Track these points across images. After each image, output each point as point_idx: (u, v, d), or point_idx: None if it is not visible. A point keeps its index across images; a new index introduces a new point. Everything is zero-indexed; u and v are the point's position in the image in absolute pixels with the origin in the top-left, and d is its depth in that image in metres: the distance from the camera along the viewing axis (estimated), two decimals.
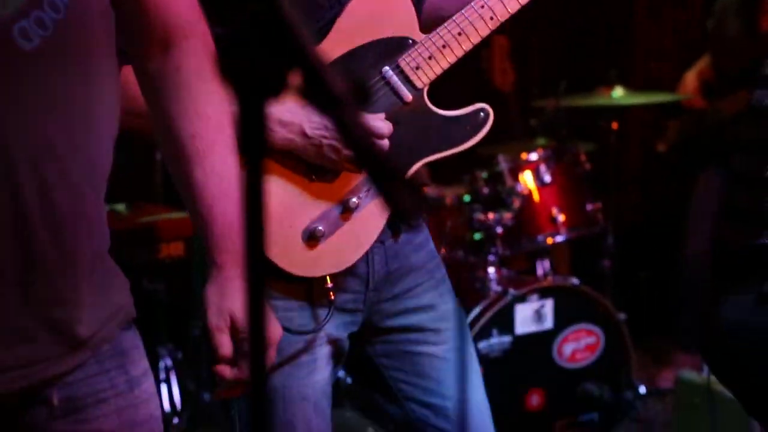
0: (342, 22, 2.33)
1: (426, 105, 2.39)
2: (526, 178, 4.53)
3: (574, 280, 4.40)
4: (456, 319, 2.58)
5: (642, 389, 4.56)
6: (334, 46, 2.32)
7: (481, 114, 2.42)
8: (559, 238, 4.53)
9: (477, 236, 4.49)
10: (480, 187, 4.56)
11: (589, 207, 4.61)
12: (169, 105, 1.86)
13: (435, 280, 2.53)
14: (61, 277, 1.63)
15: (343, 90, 0.97)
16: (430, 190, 4.88)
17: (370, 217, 2.35)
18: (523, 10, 2.45)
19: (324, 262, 2.32)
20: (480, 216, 4.39)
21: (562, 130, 4.89)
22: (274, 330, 1.99)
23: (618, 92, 4.93)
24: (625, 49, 6.64)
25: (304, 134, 2.24)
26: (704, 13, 5.92)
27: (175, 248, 4.07)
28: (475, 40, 2.39)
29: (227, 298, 1.93)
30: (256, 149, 0.99)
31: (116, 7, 1.73)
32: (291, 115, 2.24)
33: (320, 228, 2.30)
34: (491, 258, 4.40)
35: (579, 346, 4.36)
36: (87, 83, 1.65)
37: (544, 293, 4.27)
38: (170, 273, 4.09)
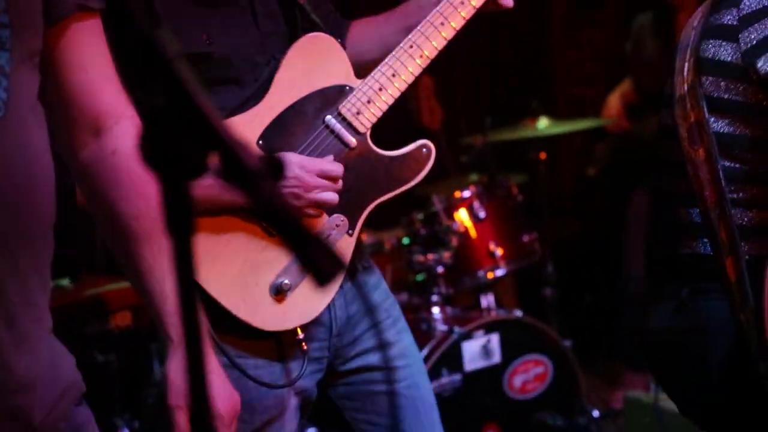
0: (280, 78, 2.45)
1: (371, 148, 2.51)
2: (462, 216, 4.62)
3: (518, 312, 4.50)
4: (413, 355, 2.65)
5: (595, 413, 4.64)
6: (276, 101, 2.44)
7: (424, 150, 2.55)
8: (499, 272, 4.62)
9: (419, 277, 4.57)
10: (418, 228, 4.64)
11: (525, 238, 4.70)
12: (109, 189, 1.92)
13: (392, 318, 2.65)
14: (17, 364, 1.68)
15: (258, 165, 1.03)
16: (369, 237, 4.95)
17: None
18: (447, 47, 2.55)
19: (293, 314, 2.42)
20: (419, 257, 4.48)
21: (492, 164, 4.99)
22: (232, 401, 2.03)
23: (543, 122, 5.04)
24: (547, 78, 6.77)
25: None
26: (620, 31, 6.07)
27: (122, 318, 4.10)
28: (409, 79, 2.52)
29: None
30: (183, 228, 1.04)
31: (43, 102, 1.78)
32: None
33: (286, 281, 2.39)
34: (434, 298, 4.49)
35: (528, 377, 4.44)
36: (28, 174, 1.70)
37: (489, 328, 4.36)
38: (121, 343, 4.12)
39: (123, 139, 1.90)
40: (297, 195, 2.35)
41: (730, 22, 2.34)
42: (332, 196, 2.39)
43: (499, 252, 4.59)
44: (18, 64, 1.69)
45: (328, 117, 2.46)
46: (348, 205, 2.46)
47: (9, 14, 1.68)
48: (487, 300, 4.76)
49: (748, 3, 2.33)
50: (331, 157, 2.43)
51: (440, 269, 4.51)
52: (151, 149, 1.04)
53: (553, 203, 5.70)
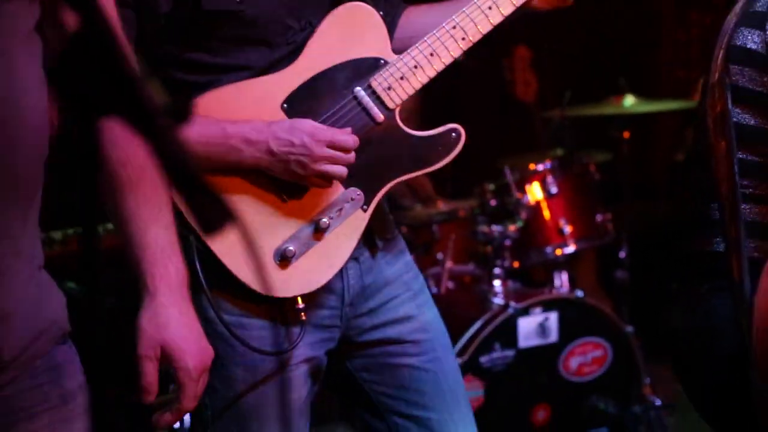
0: (313, 44, 2.41)
1: (398, 125, 2.45)
2: (534, 190, 4.54)
3: (579, 293, 4.41)
4: (436, 329, 2.60)
5: (657, 402, 4.52)
6: (305, 67, 2.40)
7: (453, 134, 2.47)
8: (568, 250, 4.54)
9: (484, 249, 4.50)
10: (488, 199, 4.58)
11: (599, 218, 4.63)
12: (102, 132, 1.90)
13: (412, 291, 2.60)
14: None
15: (159, 106, 1.00)
16: (444, 205, 4.92)
17: (342, 237, 2.42)
18: (509, 25, 2.49)
19: (295, 282, 2.40)
20: (484, 228, 4.42)
21: (569, 140, 4.89)
22: (201, 355, 2.01)
23: (629, 101, 4.91)
24: (648, 56, 6.62)
25: (271, 151, 2.31)
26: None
27: None
28: (447, 60, 2.45)
29: (159, 327, 1.97)
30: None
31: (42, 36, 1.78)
32: (257, 134, 2.31)
33: (291, 248, 2.37)
34: (497, 271, 4.43)
35: (586, 359, 4.36)
36: (13, 106, 1.69)
37: (548, 306, 4.29)
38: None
39: None
40: (302, 163, 2.31)
41: (761, 9, 2.23)
42: (339, 170, 2.34)
43: (569, 229, 4.52)
44: None
45: (358, 88, 2.41)
46: (366, 180, 2.42)
47: None
48: (561, 278, 4.69)
49: None
50: (349, 129, 2.38)
51: (507, 242, 4.45)
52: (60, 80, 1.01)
53: (639, 185, 5.57)
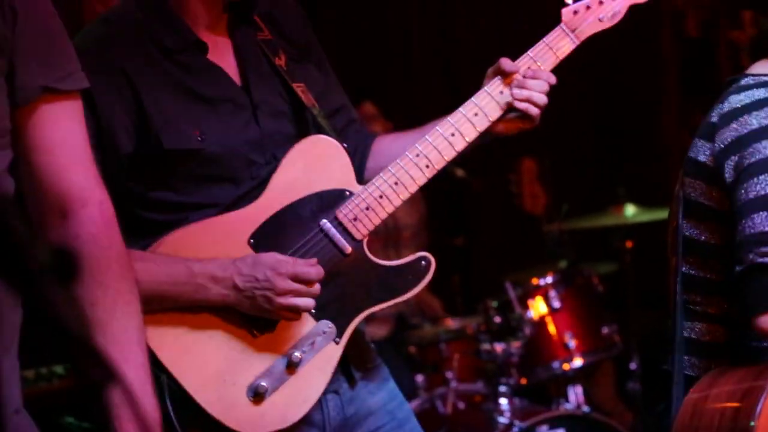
0: (278, 178, 2.44)
1: (366, 256, 2.47)
2: (537, 305, 4.54)
3: (586, 408, 4.37)
4: None
5: None
6: (271, 201, 2.44)
7: (422, 263, 2.48)
8: (575, 364, 4.51)
9: (490, 366, 4.49)
10: (492, 315, 4.58)
11: (605, 330, 4.62)
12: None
13: (397, 420, 2.59)
14: None
15: (44, 263, 1.02)
16: (452, 323, 4.93)
17: (315, 371, 2.43)
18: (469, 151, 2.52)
19: (269, 418, 2.39)
20: (486, 346, 4.41)
21: (570, 252, 4.90)
22: None
23: (630, 210, 4.92)
24: (656, 165, 6.64)
25: (237, 288, 2.34)
26: None
27: None
28: (413, 189, 2.48)
29: None
30: None
31: (15, 177, 1.83)
32: (222, 271, 2.34)
33: (264, 384, 2.37)
34: (503, 389, 4.40)
35: None
36: None
37: (554, 423, 4.27)
38: None
39: (86, 225, 1.93)
40: (267, 298, 2.33)
41: (713, 119, 2.25)
42: (305, 302, 2.36)
43: (574, 343, 4.51)
44: None
45: (324, 221, 2.44)
46: (338, 312, 2.43)
47: None
48: (575, 392, 4.66)
49: (732, 99, 2.24)
50: (313, 260, 2.40)
51: (513, 359, 4.44)
52: None
53: (648, 294, 5.54)
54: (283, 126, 2.49)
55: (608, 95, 6.65)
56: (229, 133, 2.41)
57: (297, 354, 2.39)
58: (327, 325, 2.42)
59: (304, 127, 2.51)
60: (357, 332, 2.47)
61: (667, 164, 6.80)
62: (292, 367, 2.39)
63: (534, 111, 2.49)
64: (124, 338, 1.95)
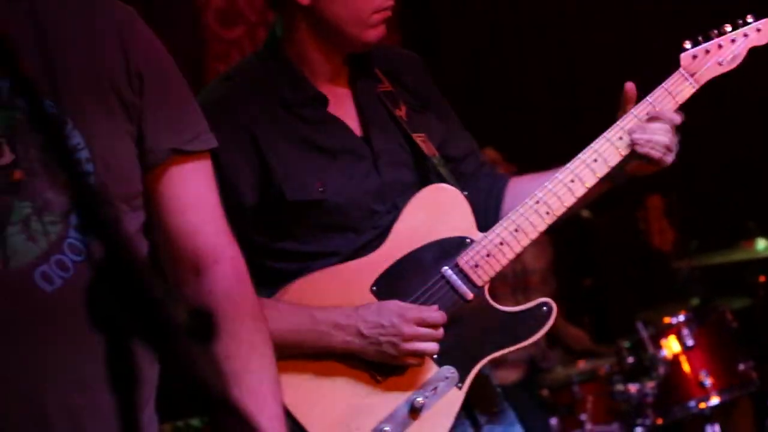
0: (399, 226, 2.49)
1: (487, 302, 2.49)
2: (670, 344, 4.49)
3: None
4: None
5: None
6: (393, 249, 2.48)
7: (544, 308, 2.50)
8: (711, 402, 4.44)
9: (624, 407, 4.45)
10: (624, 356, 4.55)
11: (741, 366, 4.53)
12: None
13: None
14: None
15: (181, 325, 1.06)
16: (583, 364, 4.92)
17: (438, 416, 2.45)
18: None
19: None
20: (620, 387, 4.38)
21: (700, 289, 4.84)
22: None
23: (761, 244, 4.84)
24: None
25: (361, 334, 2.38)
26: None
27: None
28: (533, 236, 2.50)
29: None
30: None
31: (149, 238, 1.90)
32: (346, 318, 2.39)
33: (387, 429, 2.41)
34: (638, 430, 4.35)
35: None
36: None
37: None
38: None
39: (219, 281, 1.97)
40: (393, 344, 2.37)
41: None
42: (431, 347, 2.39)
43: (710, 381, 4.43)
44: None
45: (445, 268, 2.47)
46: (460, 358, 2.45)
47: (93, 162, 1.81)
48: (713, 430, 4.59)
49: None
50: (435, 307, 2.43)
51: (648, 399, 4.40)
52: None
53: None
54: (403, 175, 2.53)
55: (735, 128, 6.56)
56: (351, 183, 2.46)
57: (420, 399, 2.41)
58: (449, 371, 2.44)
59: (425, 176, 2.55)
60: (481, 376, 2.49)
61: None
62: (414, 412, 2.41)
63: (656, 154, 2.47)
64: (260, 390, 1.99)
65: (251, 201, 2.42)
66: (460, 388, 2.45)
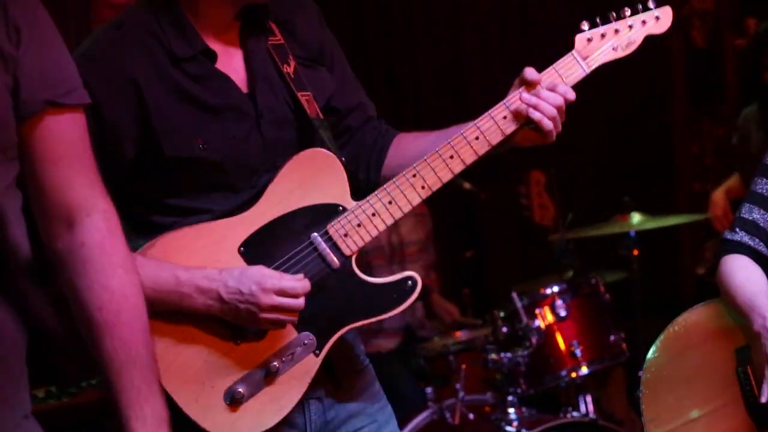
0: (274, 188, 2.47)
1: (353, 272, 2.49)
2: (544, 314, 4.55)
3: (592, 415, 4.37)
4: None
5: None
6: (265, 211, 2.46)
7: (409, 282, 2.50)
8: (582, 372, 4.51)
9: (497, 377, 4.50)
10: (499, 326, 4.59)
11: (612, 338, 4.60)
12: (77, 279, 2.02)
13: (377, 423, 2.62)
14: None
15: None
16: (461, 334, 4.97)
17: (292, 381, 2.45)
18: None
19: (243, 424, 2.43)
20: (494, 356, 4.42)
21: (575, 262, 4.91)
22: None
23: (636, 218, 4.93)
24: (665, 172, 6.66)
25: (221, 299, 2.37)
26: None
27: None
28: (406, 209, 2.49)
29: None
30: None
31: (22, 190, 1.89)
32: (208, 282, 2.37)
33: (240, 390, 2.41)
34: (511, 398, 4.41)
35: None
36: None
37: (562, 431, 4.23)
38: None
39: (91, 233, 2.01)
40: (251, 312, 2.36)
41: None
42: (288, 318, 2.39)
43: (581, 351, 4.50)
44: None
45: (314, 234, 2.46)
46: (320, 325, 2.45)
47: None
48: (585, 400, 4.67)
49: None
50: (300, 276, 2.42)
51: (521, 368, 4.45)
52: None
53: (658, 303, 5.55)
54: (285, 134, 2.51)
55: (615, 105, 6.67)
56: (232, 142, 2.43)
57: (275, 363, 2.41)
58: (308, 337, 2.44)
59: (308, 136, 2.53)
60: (341, 341, 2.49)
61: (674, 174, 6.82)
62: (270, 375, 2.42)
63: (547, 124, 2.47)
64: (131, 340, 2.00)
65: (131, 153, 2.40)
66: (317, 355, 2.45)
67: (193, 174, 2.42)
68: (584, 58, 2.54)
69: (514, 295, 4.57)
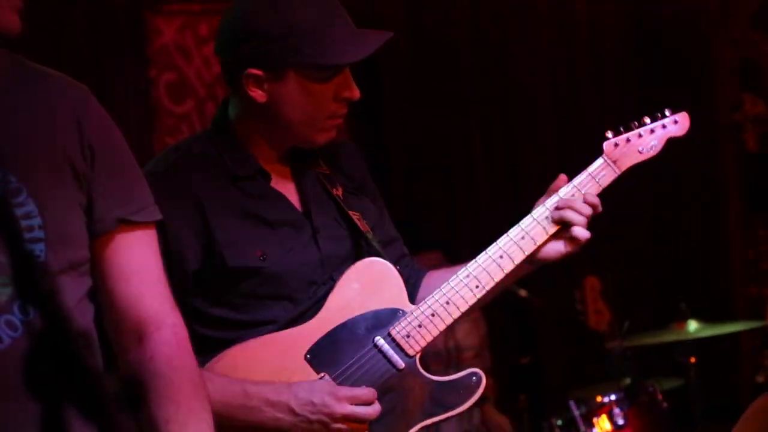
0: (334, 297, 2.58)
1: (419, 371, 2.59)
2: (602, 423, 4.56)
3: None
4: None
5: None
6: (327, 319, 2.57)
7: (473, 378, 2.61)
8: None
9: None
10: None
11: None
12: (146, 392, 2.08)
13: None
14: None
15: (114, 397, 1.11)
16: None
17: None
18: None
19: None
20: None
21: (631, 369, 4.92)
22: None
23: (692, 325, 4.94)
24: (720, 278, 6.66)
25: (293, 412, 2.45)
26: None
27: None
28: (464, 308, 2.61)
29: None
30: None
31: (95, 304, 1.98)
32: (277, 395, 2.47)
33: None
34: None
35: None
36: None
37: None
38: None
39: (160, 347, 2.08)
40: (324, 422, 2.44)
41: None
42: (360, 428, 2.47)
43: None
44: (57, 273, 1.90)
45: (378, 338, 2.56)
46: (391, 425, 2.53)
47: (45, 230, 1.91)
48: None
49: None
50: (365, 388, 2.50)
51: None
52: None
53: (716, 410, 5.52)
54: (340, 249, 2.62)
55: (669, 210, 6.72)
56: (290, 254, 2.54)
57: None
58: None
59: (360, 250, 2.65)
60: None
61: (730, 279, 6.82)
62: None
63: (580, 230, 2.61)
64: None
65: (194, 267, 2.51)
66: None
67: (253, 286, 2.53)
68: (614, 161, 2.69)
69: (572, 403, 4.60)
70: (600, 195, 2.66)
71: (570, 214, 2.61)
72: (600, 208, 2.65)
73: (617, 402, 4.59)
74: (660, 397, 4.69)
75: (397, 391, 2.55)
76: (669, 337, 5.02)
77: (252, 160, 2.57)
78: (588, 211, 2.62)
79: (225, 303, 2.53)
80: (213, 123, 2.68)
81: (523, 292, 5.65)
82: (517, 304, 5.88)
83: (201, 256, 2.50)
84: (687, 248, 6.77)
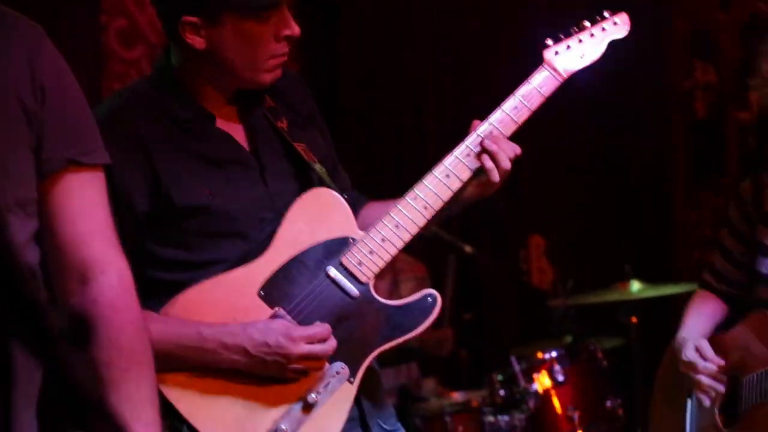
0: (283, 231, 2.59)
1: (373, 297, 2.61)
2: (542, 378, 4.60)
3: None
4: None
5: None
6: (277, 254, 2.58)
7: (429, 299, 2.62)
8: None
9: None
10: (497, 389, 4.64)
11: (608, 403, 4.66)
12: (88, 334, 2.04)
13: None
14: None
15: (60, 329, 1.10)
16: (458, 396, 5.01)
17: (331, 411, 2.55)
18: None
19: None
20: (491, 419, 4.47)
21: (576, 328, 4.97)
22: None
23: (635, 286, 4.99)
24: (663, 241, 6.72)
25: (248, 354, 2.47)
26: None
27: None
28: (414, 230, 2.61)
29: None
30: None
31: (40, 248, 1.95)
32: (232, 337, 2.48)
33: (283, 427, 2.50)
34: None
35: None
36: None
37: None
38: None
39: (104, 290, 2.06)
40: (280, 363, 2.46)
41: None
42: (318, 365, 2.49)
43: (577, 416, 4.55)
44: (3, 211, 1.86)
45: (330, 267, 2.57)
46: (350, 353, 2.55)
47: None
48: None
49: None
50: (317, 323, 2.51)
51: (518, 430, 4.50)
52: None
53: (650, 370, 5.59)
54: (289, 185, 2.64)
55: (617, 174, 6.75)
56: (238, 192, 2.56)
57: (312, 396, 2.50)
58: (340, 366, 2.54)
59: (309, 184, 2.66)
60: (371, 371, 2.60)
61: (674, 243, 6.88)
62: (308, 408, 2.51)
63: (502, 166, 2.59)
64: (137, 397, 2.05)
65: (143, 210, 2.51)
66: (351, 382, 2.55)
67: (202, 224, 2.54)
68: (555, 69, 2.68)
69: (513, 358, 4.64)
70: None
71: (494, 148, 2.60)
72: (519, 152, 2.62)
73: (558, 359, 4.64)
74: (600, 355, 4.75)
75: (353, 319, 2.56)
76: (612, 296, 5.07)
77: (195, 104, 2.58)
78: (510, 152, 2.60)
79: (176, 244, 2.53)
80: (156, 69, 2.69)
81: (468, 248, 5.68)
82: (462, 260, 5.91)
83: (149, 199, 2.51)
84: (633, 210, 6.82)
